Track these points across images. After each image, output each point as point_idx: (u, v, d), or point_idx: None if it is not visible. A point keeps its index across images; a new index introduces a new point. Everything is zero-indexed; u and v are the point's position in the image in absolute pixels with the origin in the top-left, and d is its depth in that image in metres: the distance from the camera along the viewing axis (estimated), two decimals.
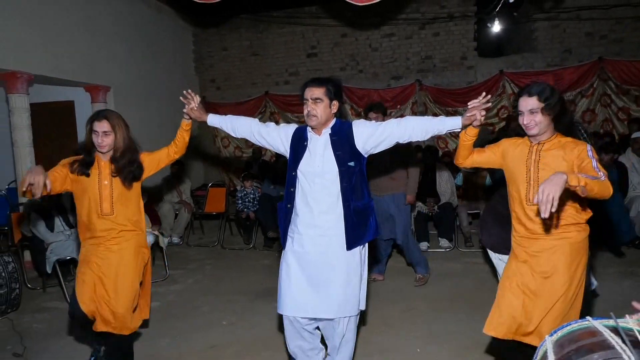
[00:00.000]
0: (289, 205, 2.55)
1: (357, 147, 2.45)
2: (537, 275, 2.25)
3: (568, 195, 2.04)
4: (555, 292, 2.21)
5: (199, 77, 9.57)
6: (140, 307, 2.89)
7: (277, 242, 6.18)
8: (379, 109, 4.18)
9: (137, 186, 2.75)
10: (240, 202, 6.40)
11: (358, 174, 2.47)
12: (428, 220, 5.88)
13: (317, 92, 2.42)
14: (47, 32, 5.55)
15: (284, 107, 9.03)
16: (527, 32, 8.49)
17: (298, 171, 2.49)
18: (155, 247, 5.07)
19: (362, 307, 2.59)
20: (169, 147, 2.84)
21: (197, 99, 2.75)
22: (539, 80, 7.88)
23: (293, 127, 2.63)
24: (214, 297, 4.37)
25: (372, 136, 2.44)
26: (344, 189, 2.42)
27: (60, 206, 4.65)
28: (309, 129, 2.51)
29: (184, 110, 2.72)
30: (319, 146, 2.47)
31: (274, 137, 2.61)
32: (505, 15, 8.07)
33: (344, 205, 2.42)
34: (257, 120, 2.72)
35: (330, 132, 2.48)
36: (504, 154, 2.38)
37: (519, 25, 8.59)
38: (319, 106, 2.41)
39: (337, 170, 2.42)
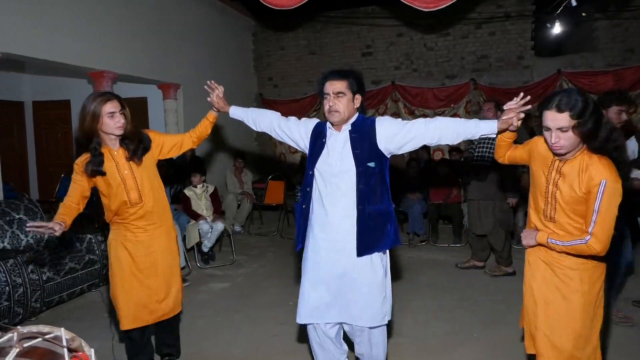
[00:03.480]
0: (304, 206, 2.41)
1: (379, 146, 2.26)
2: (551, 285, 2.10)
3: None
4: (571, 310, 2.04)
5: (258, 75, 10.00)
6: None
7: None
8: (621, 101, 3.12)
9: (154, 167, 2.67)
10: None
11: (378, 175, 2.27)
12: None
13: (340, 85, 2.24)
14: (127, 34, 6.07)
15: None
16: (587, 31, 8.36)
17: (315, 170, 2.34)
18: (223, 234, 5.51)
19: (388, 318, 2.41)
20: (190, 136, 2.78)
21: (221, 89, 2.71)
22: (598, 80, 7.79)
23: (314, 122, 2.47)
24: (279, 280, 4.72)
25: (397, 135, 2.25)
26: (360, 191, 2.23)
27: None
28: (328, 124, 2.36)
29: (208, 99, 2.69)
30: (338, 144, 2.30)
31: (294, 131, 2.48)
32: (565, 15, 7.99)
33: (357, 208, 2.24)
34: (278, 114, 2.62)
35: (350, 128, 2.30)
36: (530, 153, 2.17)
37: (579, 24, 8.47)
38: (341, 101, 2.24)
39: (355, 170, 2.23)
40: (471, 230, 4.90)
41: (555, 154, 1.99)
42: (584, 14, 8.03)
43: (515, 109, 2.03)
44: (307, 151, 2.43)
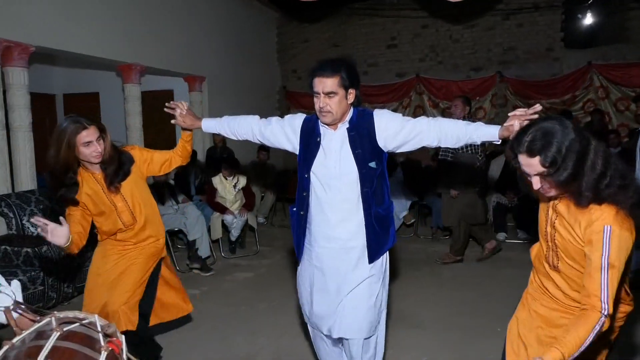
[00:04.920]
0: (301, 213, 2.21)
1: (379, 143, 2.10)
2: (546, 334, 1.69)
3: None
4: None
5: (281, 67, 10.04)
6: (178, 304, 2.78)
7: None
8: None
9: (145, 185, 2.56)
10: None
11: (380, 175, 2.13)
12: (507, 212, 5.95)
13: (330, 83, 2.01)
14: (155, 27, 6.17)
15: (362, 97, 9.26)
16: (620, 21, 8.11)
17: (311, 173, 2.14)
18: (246, 227, 5.60)
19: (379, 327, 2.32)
20: (175, 154, 2.60)
21: (185, 105, 2.43)
22: (631, 72, 7.54)
23: (300, 117, 2.25)
24: None
25: (399, 134, 2.07)
26: (364, 194, 2.08)
27: (169, 184, 5.25)
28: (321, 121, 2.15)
29: (173, 122, 2.44)
30: (335, 143, 2.10)
31: (278, 135, 2.26)
32: (597, 5, 7.76)
33: (364, 212, 2.09)
34: (257, 117, 2.35)
35: (348, 126, 2.11)
36: None
37: (612, 14, 8.22)
38: (333, 100, 2.02)
39: (357, 172, 2.07)
40: (443, 223, 5.22)
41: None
42: (617, 3, 7.80)
43: (520, 116, 1.80)
44: (297, 152, 2.22)
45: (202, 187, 5.76)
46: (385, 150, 2.13)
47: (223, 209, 5.34)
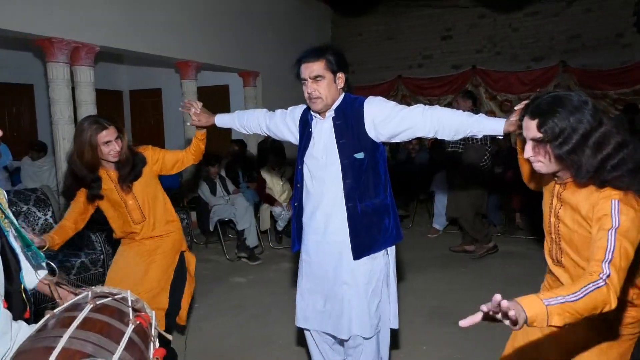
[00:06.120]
0: (295, 204, 2.20)
1: (369, 133, 2.00)
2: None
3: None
4: None
5: None
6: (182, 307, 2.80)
7: (404, 219, 6.48)
8: None
9: (156, 184, 2.63)
10: None
11: (368, 167, 2.01)
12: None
13: (316, 67, 1.97)
14: (210, 26, 6.41)
15: (415, 90, 9.14)
16: None
17: (304, 164, 2.12)
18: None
19: (394, 326, 2.24)
20: (188, 153, 2.65)
21: (199, 104, 2.49)
22: None
23: (300, 108, 2.23)
24: None
25: (390, 123, 1.98)
26: (347, 186, 1.99)
27: (221, 176, 5.48)
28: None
29: (188, 124, 2.48)
30: (324, 132, 2.06)
31: (281, 127, 2.26)
32: None
33: (346, 205, 2.01)
34: (265, 111, 2.37)
35: (333, 114, 2.04)
36: (541, 176, 1.65)
37: None
38: (321, 85, 1.97)
39: (340, 163, 2.00)
40: (447, 214, 5.25)
41: (559, 176, 1.49)
42: None
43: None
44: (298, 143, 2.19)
45: (253, 177, 5.96)
46: (378, 140, 2.03)
47: (272, 201, 5.50)
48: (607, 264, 1.22)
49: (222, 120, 2.48)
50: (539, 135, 1.35)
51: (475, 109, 4.66)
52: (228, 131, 7.08)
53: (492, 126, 1.82)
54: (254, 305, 3.85)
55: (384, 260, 2.14)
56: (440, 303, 3.70)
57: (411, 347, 3.02)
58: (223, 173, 5.67)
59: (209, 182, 5.33)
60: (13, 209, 3.77)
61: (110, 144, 2.34)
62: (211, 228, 5.26)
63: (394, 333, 2.51)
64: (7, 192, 4.07)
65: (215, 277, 4.56)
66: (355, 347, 2.13)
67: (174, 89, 7.65)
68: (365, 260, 2.06)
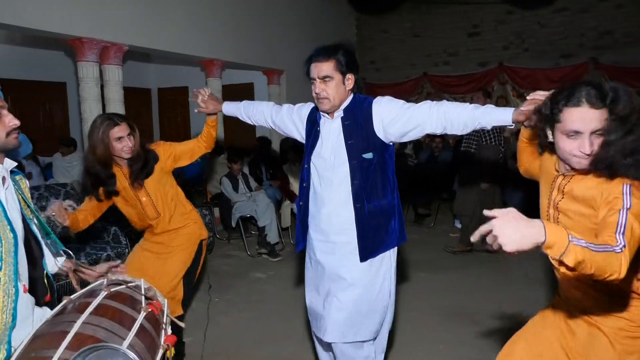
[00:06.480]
0: (301, 203, 2.19)
1: (377, 134, 1.99)
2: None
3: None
4: None
5: (360, 59, 9.95)
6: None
7: (426, 218, 6.44)
8: None
9: (169, 180, 2.65)
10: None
11: (377, 167, 2.00)
12: None
13: (326, 67, 1.96)
14: (235, 24, 6.50)
15: (441, 87, 9.05)
16: None
17: (311, 163, 2.11)
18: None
19: (380, 332, 2.20)
20: (199, 141, 2.67)
21: (207, 91, 2.50)
22: None
23: (308, 106, 2.22)
24: None
25: (397, 122, 1.96)
26: (355, 187, 1.98)
27: (243, 173, 5.56)
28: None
29: (196, 111, 2.51)
30: (332, 132, 2.04)
31: (288, 123, 2.26)
32: None
33: (354, 206, 1.99)
34: (272, 104, 2.37)
35: (342, 115, 2.03)
36: (540, 168, 1.65)
37: None
38: (329, 85, 1.97)
39: (348, 163, 1.99)
40: (452, 210, 5.35)
41: (574, 169, 1.41)
42: None
43: (539, 100, 1.55)
44: (304, 141, 2.18)
45: (275, 175, 6.03)
46: (387, 141, 2.02)
47: (294, 197, 5.55)
48: (620, 235, 1.19)
49: (228, 108, 2.46)
50: (603, 125, 1.29)
51: (490, 101, 4.68)
52: (253, 127, 7.22)
53: (501, 116, 1.79)
54: (273, 300, 3.90)
55: (389, 262, 2.12)
56: (459, 302, 3.67)
57: (428, 346, 3.01)
58: (246, 170, 5.75)
59: (232, 179, 5.41)
60: (43, 203, 3.94)
61: (122, 140, 2.37)
62: (233, 224, 5.34)
63: (413, 332, 2.49)
64: (38, 187, 4.29)
65: (236, 273, 4.64)
66: (355, 348, 2.11)
67: (200, 86, 7.70)
68: (371, 261, 2.04)
